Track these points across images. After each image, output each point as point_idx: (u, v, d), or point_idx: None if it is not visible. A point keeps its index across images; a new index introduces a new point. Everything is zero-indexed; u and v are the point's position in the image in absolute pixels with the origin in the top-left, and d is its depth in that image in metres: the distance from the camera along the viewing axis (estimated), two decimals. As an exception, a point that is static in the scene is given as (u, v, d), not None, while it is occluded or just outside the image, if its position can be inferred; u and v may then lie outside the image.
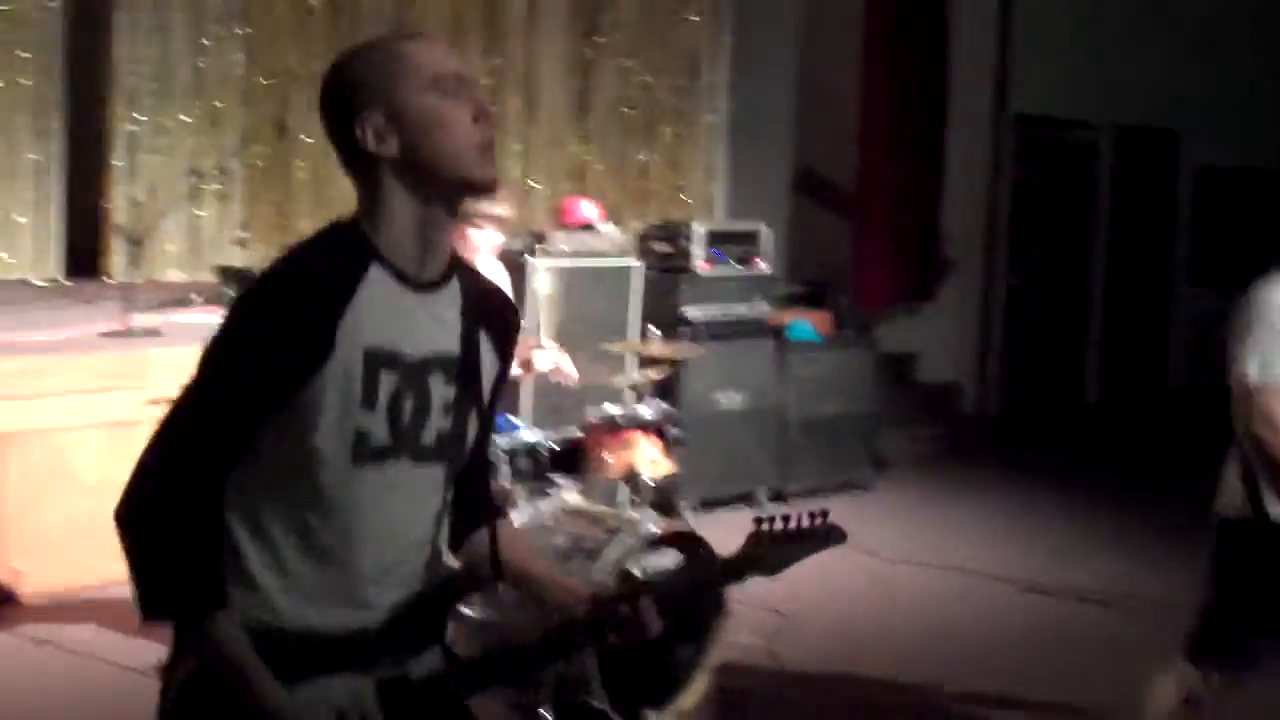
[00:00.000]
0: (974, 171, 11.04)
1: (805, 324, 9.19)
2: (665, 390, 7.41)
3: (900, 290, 10.57)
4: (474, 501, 2.42)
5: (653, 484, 5.54)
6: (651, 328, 6.46)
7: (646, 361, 6.31)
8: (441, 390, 2.23)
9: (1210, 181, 13.09)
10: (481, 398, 2.32)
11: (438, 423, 2.23)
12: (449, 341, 2.24)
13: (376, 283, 2.14)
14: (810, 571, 7.19)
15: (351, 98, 2.16)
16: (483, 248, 5.91)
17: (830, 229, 10.67)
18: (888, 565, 7.36)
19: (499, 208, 5.88)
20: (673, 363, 6.80)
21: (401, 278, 2.17)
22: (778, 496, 8.66)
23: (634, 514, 5.34)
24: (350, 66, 2.20)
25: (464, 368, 2.26)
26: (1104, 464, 10.26)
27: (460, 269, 2.30)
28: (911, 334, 10.86)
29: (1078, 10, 11.37)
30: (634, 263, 8.04)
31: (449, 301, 2.25)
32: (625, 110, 10.28)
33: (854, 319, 9.89)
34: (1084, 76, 11.49)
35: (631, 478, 5.47)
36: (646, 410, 5.62)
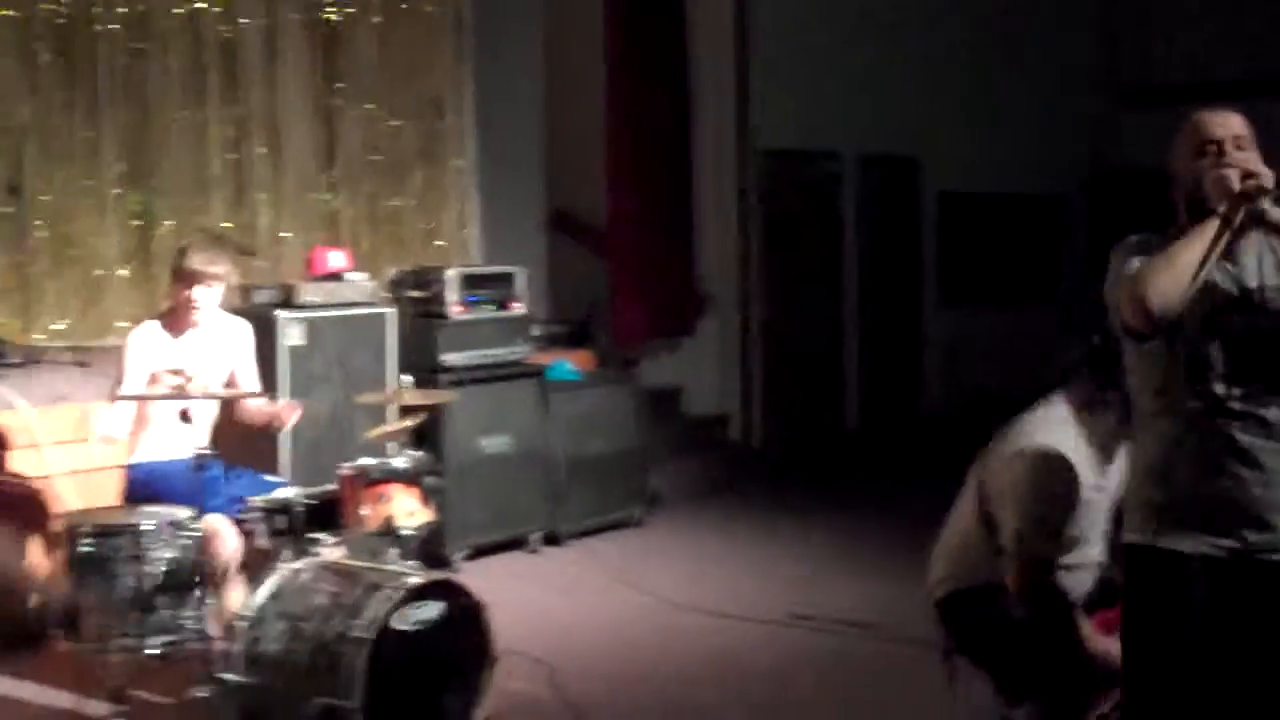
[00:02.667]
0: (723, 206, 11.17)
1: (566, 364, 9.15)
2: (428, 438, 7.29)
3: (658, 326, 10.62)
4: None
5: (412, 535, 5.40)
6: (404, 376, 6.33)
7: (404, 410, 6.18)
8: None
9: (951, 206, 13.49)
10: None
11: None
12: None
13: None
14: (586, 611, 7.18)
15: None
16: (207, 305, 5.83)
17: (586, 268, 10.67)
18: (661, 603, 7.33)
19: (218, 266, 5.80)
20: (432, 410, 6.67)
21: None
22: (550, 539, 8.58)
23: (396, 567, 5.21)
24: None
25: None
26: (866, 489, 10.42)
27: None
28: (674, 369, 10.92)
29: (816, 43, 11.61)
30: (386, 310, 7.88)
31: None
32: (373, 156, 10.13)
33: (615, 357, 9.90)
34: (825, 108, 11.73)
35: (390, 530, 5.32)
36: (401, 460, 5.48)
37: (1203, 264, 3.22)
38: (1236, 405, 3.31)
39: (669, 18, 10.62)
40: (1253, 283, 3.36)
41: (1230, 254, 3.32)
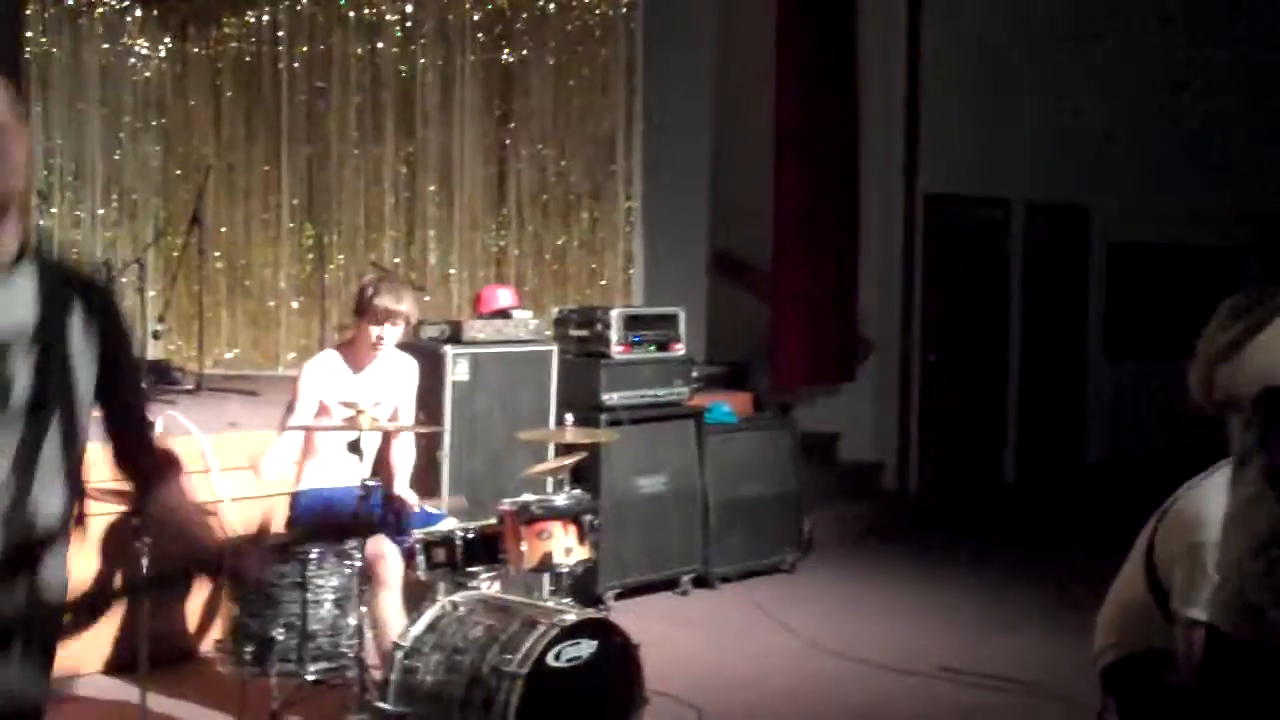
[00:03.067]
0: (888, 250, 11.14)
1: (724, 406, 9.19)
2: (585, 476, 7.38)
3: (818, 370, 10.61)
4: (143, 463, 2.71)
5: (569, 572, 5.49)
6: (565, 414, 6.42)
7: (564, 448, 6.28)
8: (22, 361, 2.42)
9: (1120, 257, 13.28)
10: (68, 367, 2.49)
11: (19, 390, 2.41)
12: (25, 316, 2.44)
13: None
14: (734, 655, 7.19)
15: None
16: (390, 343, 5.98)
17: (748, 311, 10.72)
18: (811, 648, 7.33)
19: (404, 304, 5.94)
20: (591, 448, 6.77)
21: None
22: (701, 581, 8.61)
23: (551, 603, 5.30)
24: None
25: (42, 337, 2.45)
26: (1022, 542, 10.27)
27: (36, 253, 2.50)
28: (831, 414, 10.91)
29: (983, 89, 11.55)
30: (549, 347, 8.01)
31: (24, 281, 2.45)
32: (542, 196, 10.33)
33: (773, 400, 9.91)
34: (993, 154, 11.65)
35: (548, 567, 5.41)
36: (561, 498, 5.57)
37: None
38: None
39: (840, 67, 10.65)
40: None
41: None
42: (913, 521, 10.68)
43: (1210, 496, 4.02)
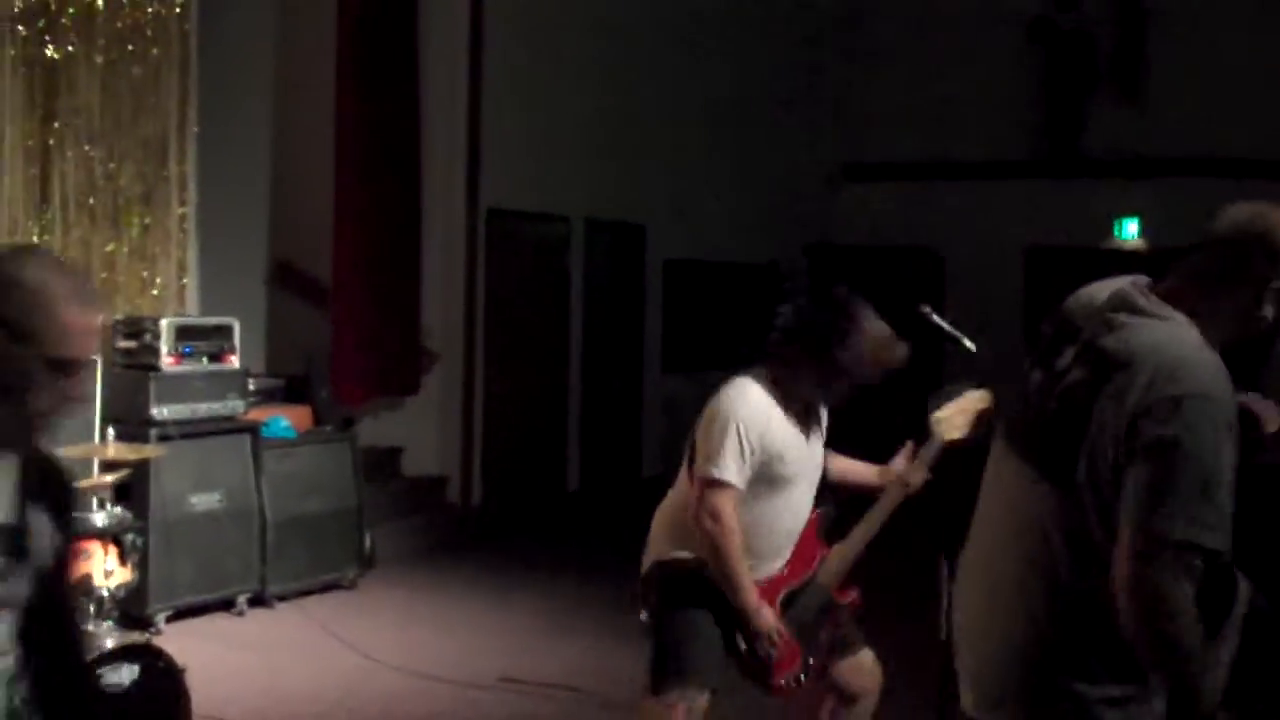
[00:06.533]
0: (450, 264, 11.14)
1: (282, 420, 8.98)
2: (134, 493, 7.07)
3: (380, 383, 10.51)
4: (55, 661, 2.50)
5: (111, 595, 5.22)
6: (109, 429, 6.12)
7: (107, 465, 5.98)
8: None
9: (675, 273, 13.77)
10: (39, 564, 2.41)
11: None
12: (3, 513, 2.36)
13: None
14: (292, 676, 7.01)
15: None
16: None
17: (309, 323, 10.50)
18: (371, 665, 7.24)
19: None
20: (138, 464, 6.47)
21: None
22: (258, 600, 8.38)
23: (91, 628, 5.03)
24: None
25: (16, 536, 2.36)
26: (583, 552, 10.46)
27: (13, 443, 2.40)
28: (395, 427, 10.82)
29: (545, 110, 11.75)
30: (92, 358, 7.60)
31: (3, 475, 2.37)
32: (89, 200, 9.81)
33: (334, 413, 9.75)
34: (555, 174, 11.86)
35: (87, 590, 5.13)
36: (101, 517, 5.30)
37: None
38: None
39: (401, 75, 10.59)
40: None
41: None
42: (477, 534, 10.72)
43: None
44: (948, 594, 3.64)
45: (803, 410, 4.44)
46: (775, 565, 4.49)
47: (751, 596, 4.31)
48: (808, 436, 4.45)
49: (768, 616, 4.34)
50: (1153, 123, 14.48)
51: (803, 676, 4.49)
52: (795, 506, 4.50)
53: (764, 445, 4.31)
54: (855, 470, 4.75)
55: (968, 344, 4.46)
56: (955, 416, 4.33)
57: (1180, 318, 2.86)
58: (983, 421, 4.16)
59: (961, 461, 4.26)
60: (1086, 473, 2.81)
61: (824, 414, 4.57)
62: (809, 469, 4.50)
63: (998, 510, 3.08)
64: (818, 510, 4.61)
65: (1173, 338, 2.83)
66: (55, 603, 2.51)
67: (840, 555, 4.59)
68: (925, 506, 4.47)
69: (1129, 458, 2.75)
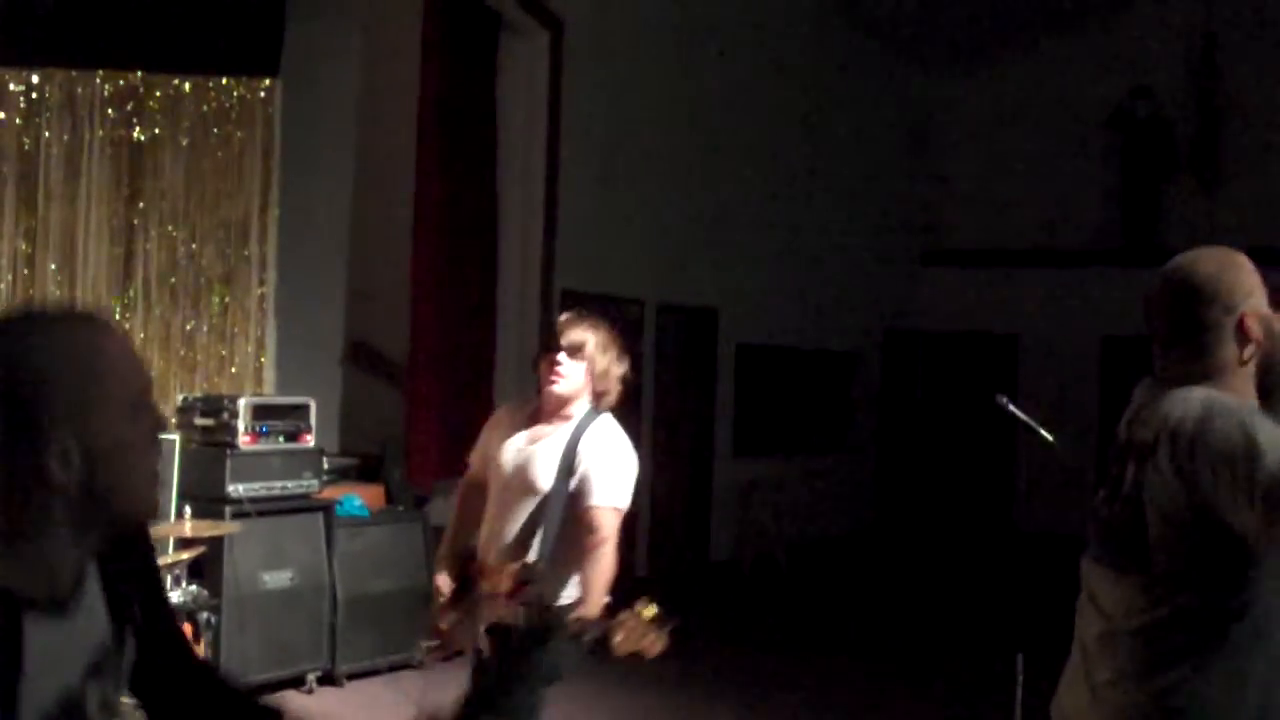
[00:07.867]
0: (524, 344, 11.18)
1: (355, 498, 9.02)
2: (207, 570, 7.10)
3: (453, 462, 10.51)
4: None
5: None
6: (186, 506, 6.16)
7: (183, 542, 6.03)
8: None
9: (747, 358, 13.75)
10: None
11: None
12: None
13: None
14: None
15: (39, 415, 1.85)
16: None
17: (383, 402, 10.56)
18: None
19: None
20: (212, 542, 6.52)
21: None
22: (327, 678, 8.38)
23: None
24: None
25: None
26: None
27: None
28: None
29: (620, 193, 11.83)
30: (170, 436, 7.70)
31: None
32: (170, 278, 9.97)
33: (406, 493, 9.77)
34: (628, 256, 11.91)
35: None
36: (176, 595, 5.33)
37: None
38: None
39: (480, 157, 10.71)
40: None
41: None
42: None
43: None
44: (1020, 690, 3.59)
45: None
46: None
47: None
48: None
49: None
50: (1229, 212, 14.37)
51: None
52: None
53: None
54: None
55: (1045, 435, 4.42)
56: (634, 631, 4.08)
57: (1196, 389, 2.93)
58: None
59: (1040, 561, 4.21)
60: (1166, 562, 2.84)
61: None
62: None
63: (1088, 616, 3.11)
64: None
65: (1179, 401, 2.90)
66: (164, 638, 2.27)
67: None
68: (1001, 606, 4.41)
69: (1195, 493, 2.78)
